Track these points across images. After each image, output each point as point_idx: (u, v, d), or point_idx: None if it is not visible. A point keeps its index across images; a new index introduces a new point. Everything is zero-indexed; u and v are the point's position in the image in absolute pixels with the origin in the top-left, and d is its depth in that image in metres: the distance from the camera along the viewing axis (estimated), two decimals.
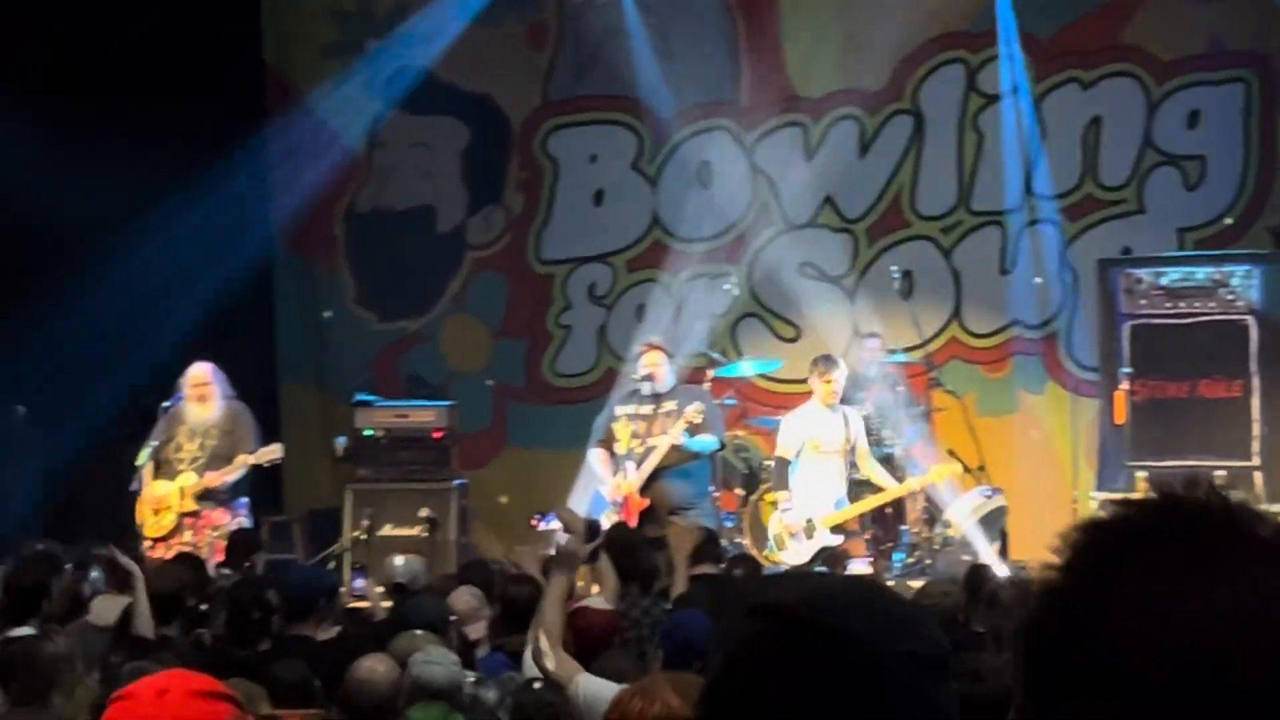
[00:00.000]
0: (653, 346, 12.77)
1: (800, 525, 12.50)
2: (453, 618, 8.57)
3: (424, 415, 14.55)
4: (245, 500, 12.92)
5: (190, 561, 10.50)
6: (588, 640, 7.67)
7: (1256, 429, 13.23)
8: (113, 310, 14.55)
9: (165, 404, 12.93)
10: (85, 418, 14.69)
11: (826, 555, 12.26)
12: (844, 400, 13.93)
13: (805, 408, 12.79)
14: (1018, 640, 1.35)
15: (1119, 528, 1.36)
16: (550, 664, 6.77)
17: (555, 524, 12.75)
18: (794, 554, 12.53)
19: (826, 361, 12.84)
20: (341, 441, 14.55)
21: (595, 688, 6.82)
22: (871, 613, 1.78)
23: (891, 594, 1.90)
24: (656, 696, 2.90)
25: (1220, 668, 1.30)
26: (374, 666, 6.58)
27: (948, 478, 12.75)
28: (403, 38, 16.18)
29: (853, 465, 12.72)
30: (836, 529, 12.50)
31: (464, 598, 8.99)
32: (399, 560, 10.58)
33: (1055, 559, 1.36)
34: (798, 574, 11.82)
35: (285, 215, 16.55)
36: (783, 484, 12.65)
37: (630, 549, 9.17)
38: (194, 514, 12.59)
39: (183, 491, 12.58)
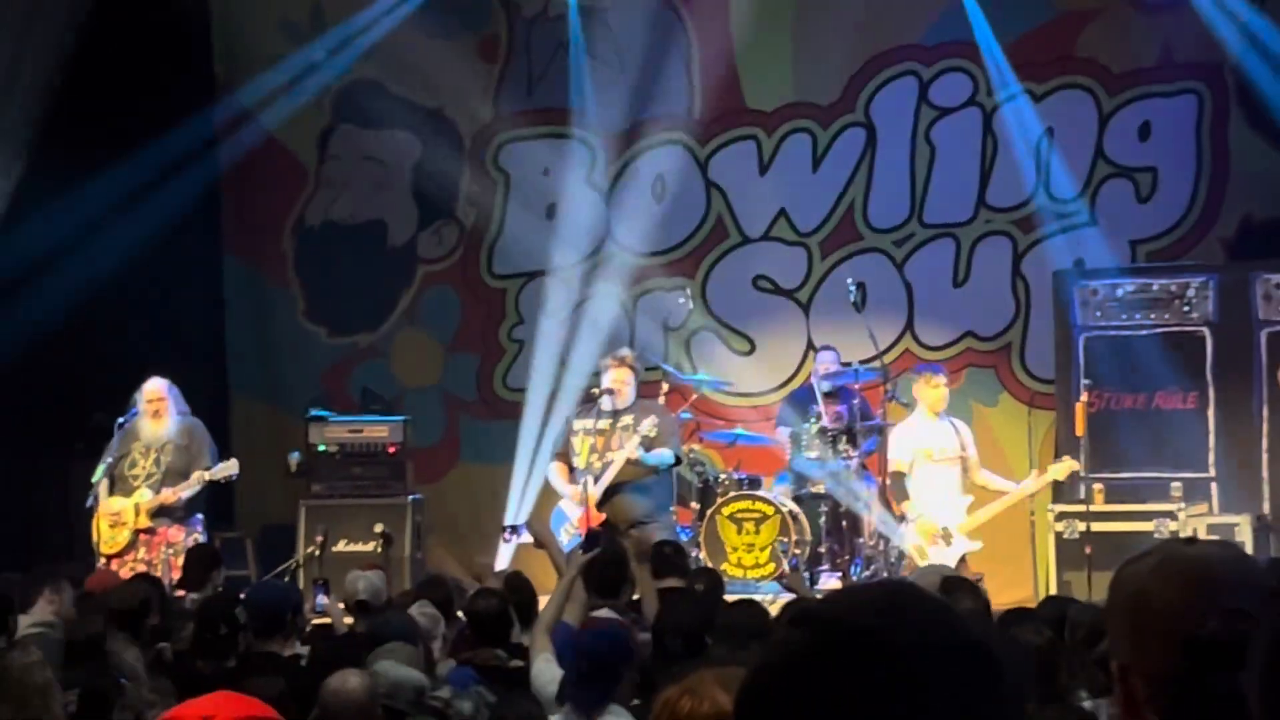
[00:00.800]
0: (621, 362, 12.73)
1: (938, 533, 12.50)
2: None
3: (377, 430, 14.50)
4: (200, 517, 12.93)
5: (149, 579, 10.44)
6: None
7: (1212, 440, 13.29)
8: (60, 323, 14.39)
9: (120, 420, 12.88)
10: (37, 433, 14.57)
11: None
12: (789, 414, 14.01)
13: (912, 418, 12.81)
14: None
15: None
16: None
17: (527, 537, 12.74)
18: (937, 561, 12.56)
19: (934, 369, 12.77)
20: (295, 457, 14.47)
21: (553, 673, 6.92)
22: (899, 611, 1.77)
23: (922, 592, 1.87)
24: (706, 695, 2.84)
25: None
26: (346, 680, 6.51)
27: (1067, 475, 12.76)
28: (348, 48, 16.08)
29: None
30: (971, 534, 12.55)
31: (417, 615, 8.93)
32: (360, 577, 10.49)
33: None
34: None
35: (234, 229, 16.49)
36: (903, 495, 12.62)
37: (617, 564, 9.13)
38: (149, 530, 12.60)
39: (138, 508, 12.56)
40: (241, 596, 9.03)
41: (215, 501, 13.78)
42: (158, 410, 12.83)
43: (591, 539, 8.36)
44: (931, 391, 12.73)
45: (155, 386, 12.91)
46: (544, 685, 7.30)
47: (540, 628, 7.90)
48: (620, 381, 12.64)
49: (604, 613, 8.63)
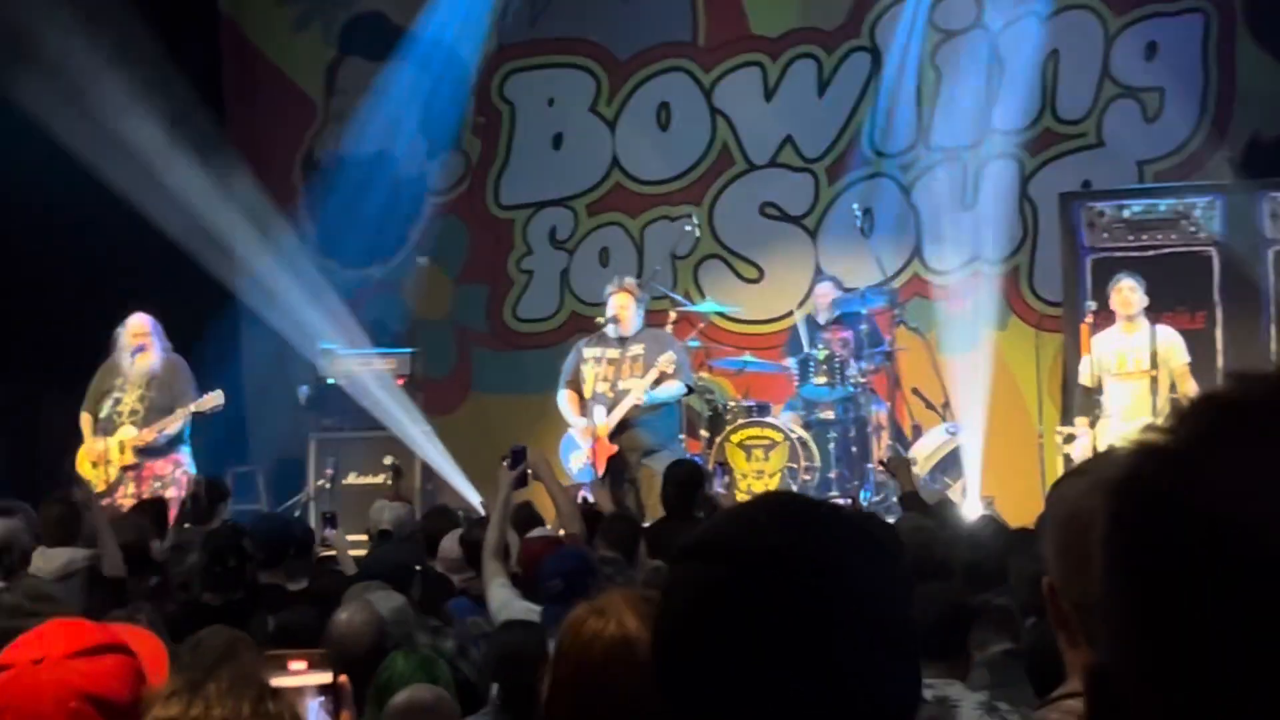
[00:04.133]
0: (624, 289, 12.75)
1: None
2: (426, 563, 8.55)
3: (386, 363, 14.50)
4: (188, 449, 12.75)
5: (151, 508, 10.45)
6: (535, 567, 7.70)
7: (1220, 360, 13.25)
8: (67, 260, 14.36)
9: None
10: (34, 369, 14.48)
11: None
12: (795, 345, 13.92)
13: (1108, 330, 12.46)
14: (1108, 498, 1.26)
15: (1237, 398, 1.27)
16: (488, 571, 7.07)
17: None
18: None
19: (1128, 275, 12.45)
20: (304, 390, 14.47)
21: (504, 596, 7.00)
22: (793, 520, 1.76)
23: (799, 497, 1.89)
24: (613, 616, 2.74)
25: None
26: (351, 615, 6.52)
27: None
28: None
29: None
30: None
31: (454, 546, 8.96)
32: (387, 506, 10.53)
33: (1164, 426, 1.26)
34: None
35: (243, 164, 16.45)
36: (1081, 412, 12.44)
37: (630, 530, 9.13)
38: (134, 466, 12.46)
39: (122, 445, 12.46)
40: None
41: (227, 435, 13.81)
42: (142, 345, 12.66)
43: (516, 455, 8.41)
44: (1114, 295, 12.36)
45: (139, 322, 12.71)
46: (498, 610, 7.35)
47: (488, 552, 7.89)
48: (622, 307, 12.65)
49: (544, 530, 8.76)
